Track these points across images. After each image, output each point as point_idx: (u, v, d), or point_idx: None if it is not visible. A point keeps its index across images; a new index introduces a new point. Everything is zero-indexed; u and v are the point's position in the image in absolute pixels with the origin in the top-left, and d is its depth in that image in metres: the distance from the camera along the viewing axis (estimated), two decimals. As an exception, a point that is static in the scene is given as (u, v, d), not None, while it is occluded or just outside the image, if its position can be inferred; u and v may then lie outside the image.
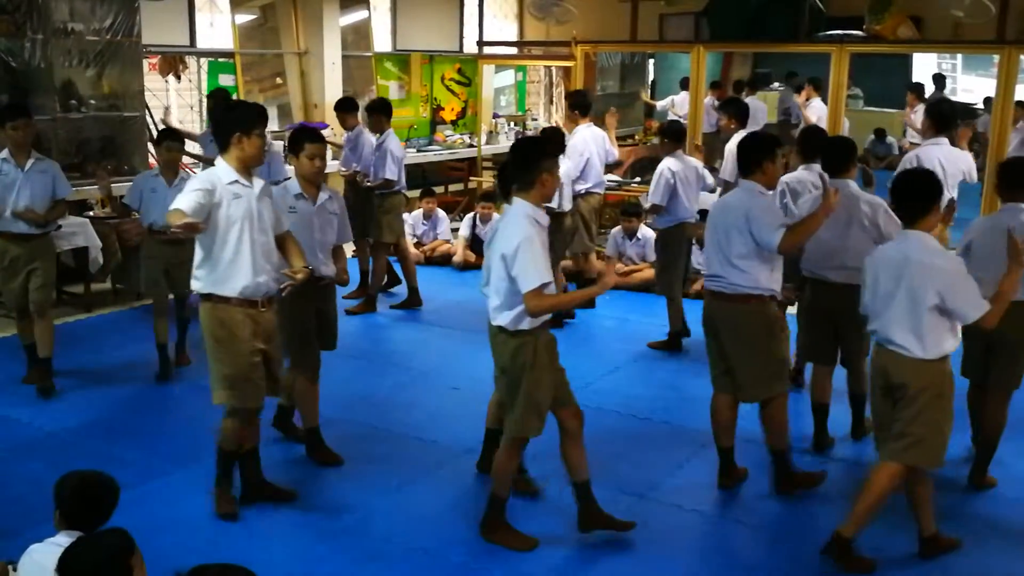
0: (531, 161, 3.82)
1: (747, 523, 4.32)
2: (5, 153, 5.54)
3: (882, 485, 3.84)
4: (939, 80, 12.58)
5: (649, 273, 8.05)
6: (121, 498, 4.27)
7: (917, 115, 10.63)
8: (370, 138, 7.70)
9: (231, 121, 4.08)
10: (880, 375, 3.87)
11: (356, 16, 11.57)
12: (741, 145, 4.54)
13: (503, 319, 3.84)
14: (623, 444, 5.09)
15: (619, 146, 8.42)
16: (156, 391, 5.83)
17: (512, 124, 12.78)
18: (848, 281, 4.63)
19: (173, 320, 6.20)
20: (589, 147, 7.42)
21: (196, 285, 4.09)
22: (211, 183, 3.96)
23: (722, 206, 4.52)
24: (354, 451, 4.95)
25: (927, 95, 12.69)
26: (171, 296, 6.17)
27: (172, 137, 6.19)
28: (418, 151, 11.78)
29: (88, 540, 2.57)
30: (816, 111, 11.50)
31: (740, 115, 7.06)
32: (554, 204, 7.02)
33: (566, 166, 7.12)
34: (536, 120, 13.71)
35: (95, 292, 7.74)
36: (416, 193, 10.32)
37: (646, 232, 8.31)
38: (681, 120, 8.53)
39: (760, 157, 4.38)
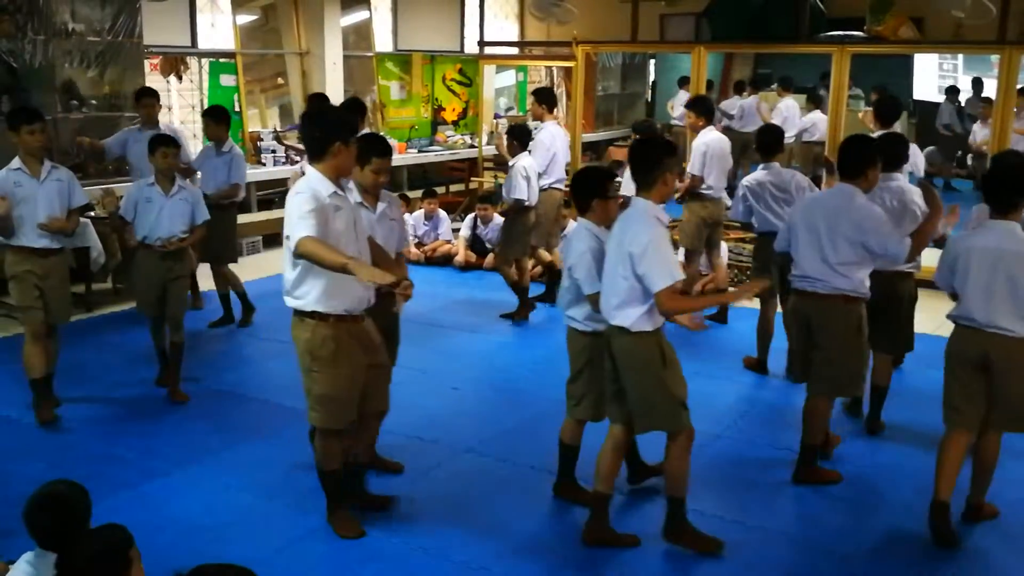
0: (654, 161, 3.82)
1: (746, 523, 4.31)
2: (17, 162, 5.16)
3: (995, 453, 4.15)
4: (977, 83, 12.54)
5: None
6: (121, 497, 4.33)
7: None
8: None
9: (333, 129, 3.82)
10: (976, 355, 4.00)
11: (357, 16, 11.59)
12: (846, 148, 4.56)
13: (623, 319, 3.81)
14: (623, 444, 5.09)
15: (619, 146, 8.44)
16: (156, 391, 5.82)
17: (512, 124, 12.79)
18: (900, 269, 4.85)
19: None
20: (556, 143, 7.55)
21: (296, 303, 3.85)
22: (316, 198, 3.69)
23: (819, 207, 4.51)
24: (354, 451, 4.96)
25: (964, 97, 12.69)
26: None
27: (167, 143, 5.67)
28: (419, 151, 11.79)
29: (87, 533, 2.61)
30: (783, 112, 11.52)
31: (707, 113, 7.21)
32: (524, 197, 7.11)
33: (531, 160, 7.25)
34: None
35: (96, 291, 7.77)
36: (418, 193, 10.33)
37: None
38: (679, 121, 8.57)
39: (865, 163, 4.42)
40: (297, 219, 3.64)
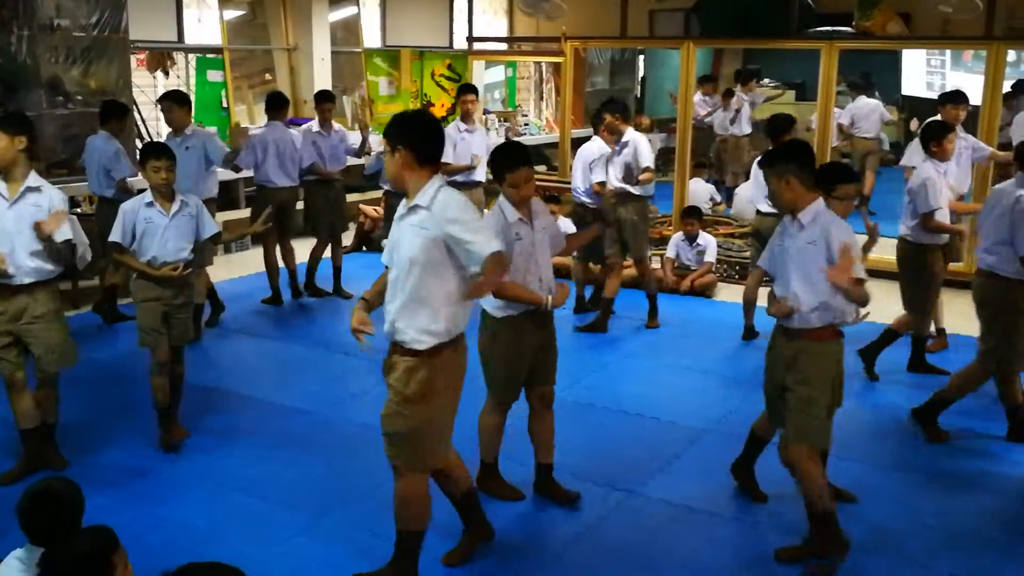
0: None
1: (740, 519, 4.32)
2: None
3: None
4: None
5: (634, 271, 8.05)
6: (112, 496, 4.30)
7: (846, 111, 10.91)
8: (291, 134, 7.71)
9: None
10: None
11: (345, 12, 11.56)
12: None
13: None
14: (613, 440, 5.10)
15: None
16: (145, 389, 5.64)
17: (503, 120, 12.77)
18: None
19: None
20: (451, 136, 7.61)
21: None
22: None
23: (1004, 194, 4.92)
24: (350, 449, 4.94)
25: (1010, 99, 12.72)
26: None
27: (160, 154, 4.85)
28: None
29: (72, 536, 2.58)
30: (744, 108, 11.57)
31: (625, 113, 7.15)
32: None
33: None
34: (526, 116, 13.70)
35: (82, 288, 7.71)
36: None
37: (707, 237, 8.23)
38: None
39: None
40: (489, 240, 3.49)
